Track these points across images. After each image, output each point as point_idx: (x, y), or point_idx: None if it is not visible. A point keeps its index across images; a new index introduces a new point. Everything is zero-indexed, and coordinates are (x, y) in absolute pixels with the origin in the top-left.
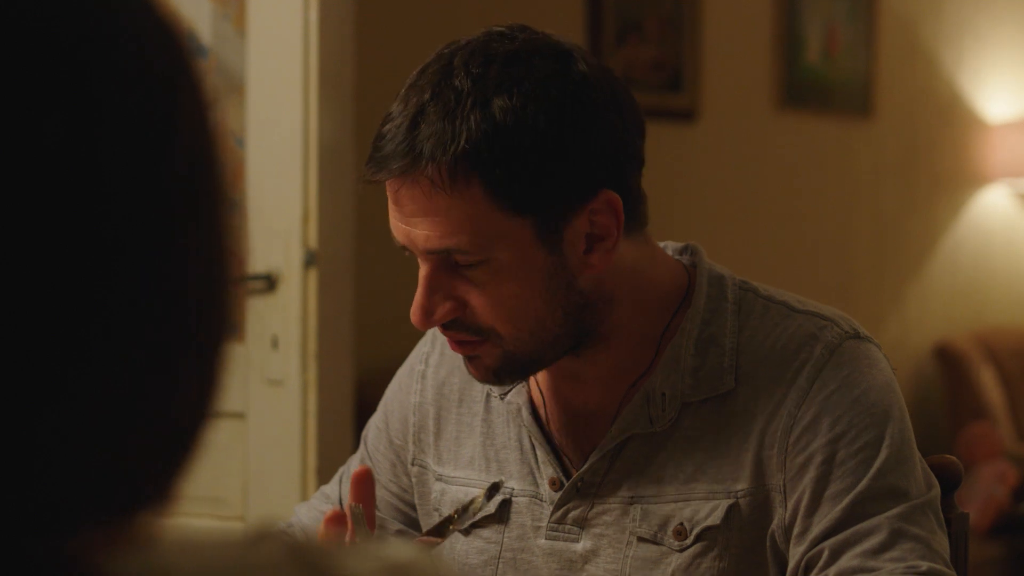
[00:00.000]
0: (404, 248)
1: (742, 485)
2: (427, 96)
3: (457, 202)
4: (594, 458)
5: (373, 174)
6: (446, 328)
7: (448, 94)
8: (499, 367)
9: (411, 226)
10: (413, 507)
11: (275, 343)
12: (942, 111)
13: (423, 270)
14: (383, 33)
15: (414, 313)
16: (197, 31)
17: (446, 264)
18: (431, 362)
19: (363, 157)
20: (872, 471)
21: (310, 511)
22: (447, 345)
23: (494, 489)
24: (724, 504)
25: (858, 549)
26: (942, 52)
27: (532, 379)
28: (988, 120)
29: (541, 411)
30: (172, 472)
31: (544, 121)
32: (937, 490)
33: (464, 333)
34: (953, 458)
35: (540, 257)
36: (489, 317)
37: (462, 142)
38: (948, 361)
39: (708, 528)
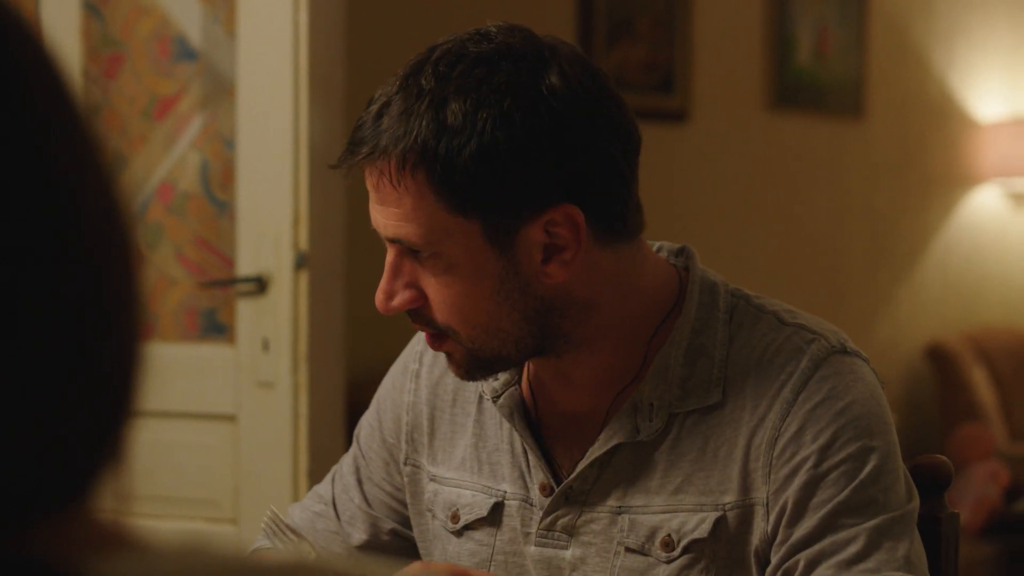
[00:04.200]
0: (375, 230)
1: (729, 498)
2: (395, 89)
3: (405, 195)
4: (583, 465)
5: (342, 159)
6: (413, 319)
7: (412, 90)
8: (468, 364)
9: (376, 212)
10: (406, 505)
11: (266, 345)
12: (933, 112)
13: (388, 256)
14: (373, 35)
15: (377, 296)
16: (187, 33)
17: (408, 252)
18: (425, 361)
19: (335, 160)
20: (854, 483)
21: (303, 512)
22: None
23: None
24: (712, 517)
25: (833, 560)
26: (933, 53)
27: (525, 382)
28: (979, 120)
29: (533, 414)
30: (96, 467)
31: (491, 128)
32: (917, 502)
33: (427, 327)
34: (944, 458)
35: (491, 259)
36: (444, 312)
37: (411, 139)
38: (940, 361)
39: (695, 541)
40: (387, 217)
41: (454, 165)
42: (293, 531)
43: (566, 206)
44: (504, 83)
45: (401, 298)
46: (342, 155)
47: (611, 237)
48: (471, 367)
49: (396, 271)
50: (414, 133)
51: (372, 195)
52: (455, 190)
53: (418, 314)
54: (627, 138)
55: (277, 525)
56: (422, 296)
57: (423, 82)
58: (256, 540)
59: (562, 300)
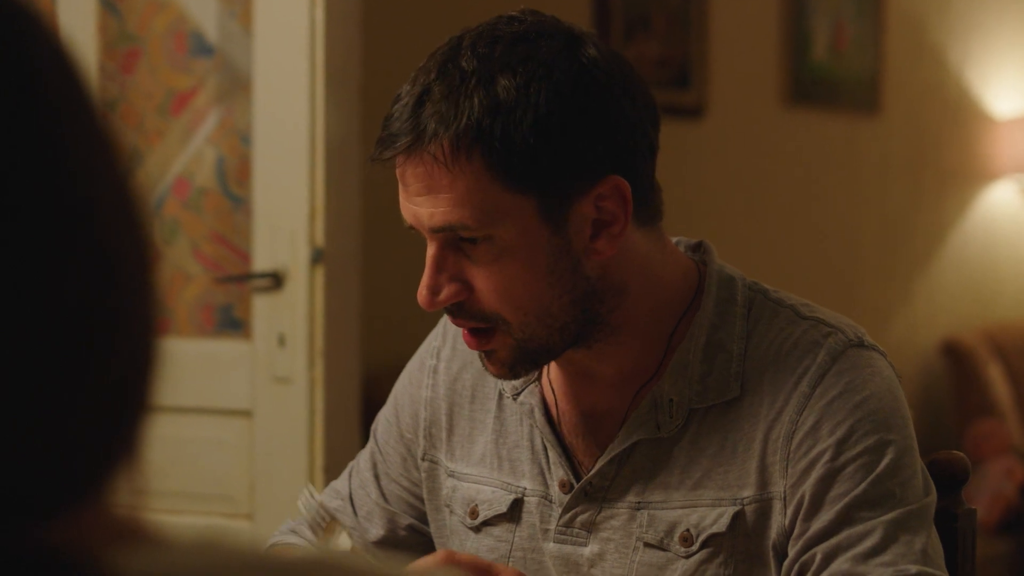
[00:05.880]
0: (411, 228)
1: (747, 492)
2: (433, 76)
3: (459, 178)
4: (602, 462)
5: (380, 152)
6: (454, 315)
7: (454, 74)
8: (514, 359)
9: (417, 205)
10: (423, 501)
11: (282, 341)
12: (949, 107)
13: (430, 249)
14: (389, 30)
15: (420, 292)
16: (204, 29)
17: (452, 244)
18: (443, 356)
19: (369, 154)
20: (871, 477)
21: None
22: (459, 339)
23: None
24: (730, 511)
25: (849, 553)
26: (949, 48)
27: (545, 379)
28: (995, 116)
29: (553, 411)
30: (112, 462)
31: (546, 100)
32: (934, 496)
33: (472, 320)
34: (961, 454)
35: (544, 237)
36: (494, 301)
37: (464, 119)
38: (956, 357)
39: (714, 535)
40: (436, 205)
41: (511, 142)
42: (328, 510)
43: (614, 178)
44: (549, 57)
45: (447, 292)
46: (379, 149)
47: (644, 215)
48: (516, 362)
49: (439, 265)
50: (466, 113)
51: (414, 187)
52: (512, 168)
53: (461, 308)
54: (654, 112)
55: (313, 500)
56: (467, 289)
57: (464, 64)
58: (273, 536)
59: (602, 282)
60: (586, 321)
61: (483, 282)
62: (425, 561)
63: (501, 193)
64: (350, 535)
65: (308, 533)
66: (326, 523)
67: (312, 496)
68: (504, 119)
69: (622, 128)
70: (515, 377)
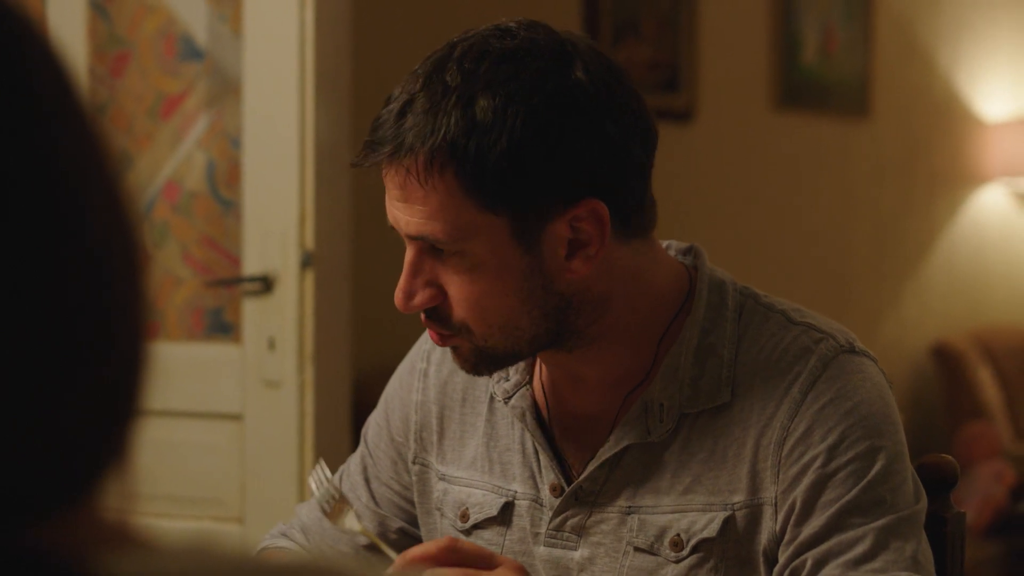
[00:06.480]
0: (393, 228)
1: (738, 498)
2: (419, 86)
3: (432, 193)
4: (593, 466)
5: (364, 157)
6: (427, 317)
7: (437, 87)
8: (476, 360)
9: (397, 210)
10: (414, 504)
11: (272, 344)
12: (939, 111)
13: (408, 254)
14: (379, 34)
15: (396, 295)
16: (193, 32)
17: (429, 250)
18: (433, 360)
19: (355, 158)
20: (862, 483)
21: (311, 511)
22: None
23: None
24: (720, 516)
25: (840, 560)
26: (939, 52)
27: (537, 382)
28: (985, 119)
29: (545, 414)
30: (103, 466)
31: (521, 125)
32: (925, 502)
33: (440, 326)
34: (950, 457)
35: (516, 256)
36: (462, 310)
37: (440, 136)
38: (946, 360)
39: (704, 540)
40: (411, 215)
41: (484, 163)
42: (338, 489)
43: (591, 201)
44: (531, 80)
45: (421, 297)
46: (362, 154)
47: (629, 232)
48: (478, 362)
49: (416, 269)
50: (442, 131)
51: (394, 192)
52: (485, 188)
53: (434, 311)
54: (646, 132)
55: (324, 478)
56: (441, 294)
57: (448, 79)
58: (263, 539)
59: (580, 296)
60: (559, 332)
61: (455, 290)
62: (428, 547)
63: (473, 211)
64: (358, 516)
65: (299, 536)
66: (335, 502)
67: (324, 474)
68: (479, 140)
69: (603, 151)
70: (478, 375)
